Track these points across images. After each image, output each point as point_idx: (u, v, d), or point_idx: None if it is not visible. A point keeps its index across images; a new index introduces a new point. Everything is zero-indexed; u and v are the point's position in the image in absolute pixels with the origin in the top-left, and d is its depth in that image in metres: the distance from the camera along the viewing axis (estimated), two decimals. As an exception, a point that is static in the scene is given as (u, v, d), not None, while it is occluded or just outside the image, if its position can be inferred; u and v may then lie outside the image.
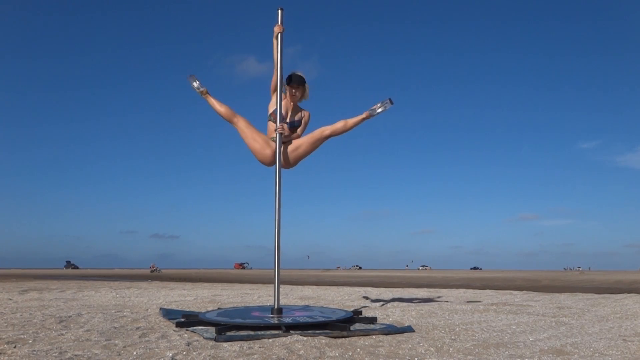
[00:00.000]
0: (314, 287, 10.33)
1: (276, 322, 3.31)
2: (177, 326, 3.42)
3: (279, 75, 4.03)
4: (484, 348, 2.76)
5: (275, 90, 4.06)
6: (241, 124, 4.05)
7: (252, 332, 3.07)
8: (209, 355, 2.45)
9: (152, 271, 49.73)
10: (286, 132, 3.99)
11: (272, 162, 3.98)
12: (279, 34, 4.09)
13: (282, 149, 3.97)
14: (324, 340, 2.85)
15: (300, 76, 4.06)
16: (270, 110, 4.07)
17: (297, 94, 4.09)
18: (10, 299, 6.05)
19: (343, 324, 3.22)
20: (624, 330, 3.52)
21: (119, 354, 2.49)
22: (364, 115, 4.06)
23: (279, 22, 4.11)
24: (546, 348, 2.77)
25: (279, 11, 4.13)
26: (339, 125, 4.04)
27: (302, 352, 2.55)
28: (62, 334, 3.07)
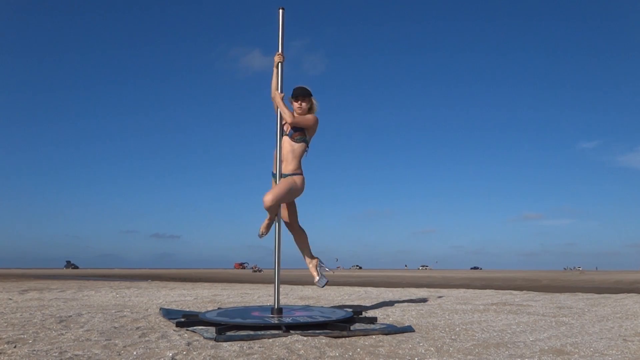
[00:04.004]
0: (314, 287, 10.33)
1: (276, 322, 3.30)
2: (177, 326, 3.42)
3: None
4: (484, 348, 2.75)
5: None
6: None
7: (252, 332, 3.07)
8: (209, 355, 2.44)
9: (254, 271, 50.47)
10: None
11: None
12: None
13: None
14: (324, 340, 2.85)
15: (304, 88, 3.99)
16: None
17: (303, 105, 3.97)
18: (10, 299, 6.05)
19: (343, 324, 3.22)
20: (624, 330, 3.52)
21: (119, 354, 2.49)
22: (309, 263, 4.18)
23: (280, 26, 3.94)
24: (546, 348, 2.77)
25: (280, 11, 3.95)
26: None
27: (302, 352, 2.55)
28: (62, 334, 3.07)
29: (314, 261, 4.14)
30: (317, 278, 4.10)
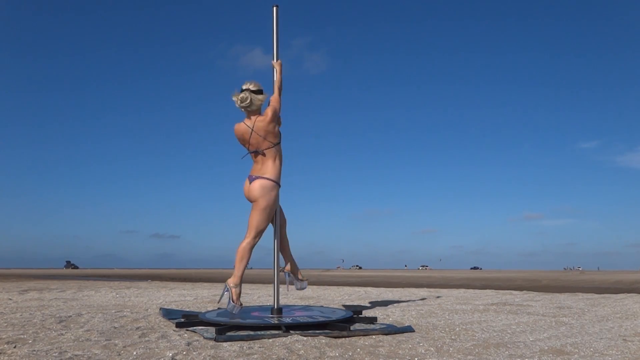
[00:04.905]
0: (314, 287, 10.32)
1: (276, 322, 3.31)
2: (177, 326, 3.42)
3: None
4: (484, 348, 2.76)
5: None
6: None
7: (252, 332, 3.07)
8: (209, 355, 2.45)
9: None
10: None
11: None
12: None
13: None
14: (324, 340, 2.85)
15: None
16: None
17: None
18: (10, 299, 6.05)
19: (343, 324, 3.22)
20: (624, 330, 3.52)
21: (119, 354, 2.49)
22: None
23: (274, 23, 3.86)
24: (546, 348, 2.77)
25: (274, 8, 3.84)
26: None
27: (302, 352, 2.55)
28: (62, 334, 3.07)
29: (237, 289, 3.59)
30: (221, 297, 3.67)
